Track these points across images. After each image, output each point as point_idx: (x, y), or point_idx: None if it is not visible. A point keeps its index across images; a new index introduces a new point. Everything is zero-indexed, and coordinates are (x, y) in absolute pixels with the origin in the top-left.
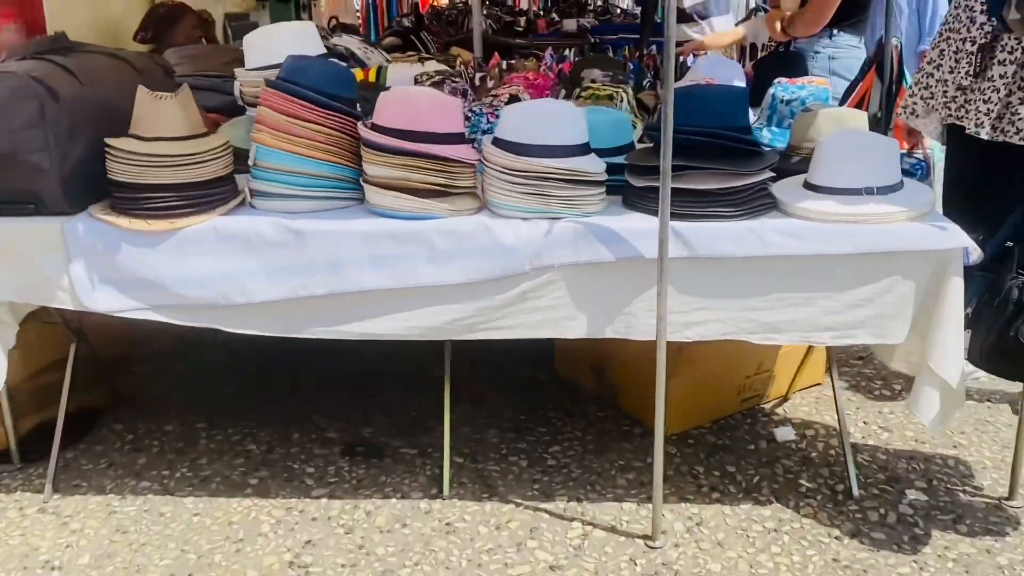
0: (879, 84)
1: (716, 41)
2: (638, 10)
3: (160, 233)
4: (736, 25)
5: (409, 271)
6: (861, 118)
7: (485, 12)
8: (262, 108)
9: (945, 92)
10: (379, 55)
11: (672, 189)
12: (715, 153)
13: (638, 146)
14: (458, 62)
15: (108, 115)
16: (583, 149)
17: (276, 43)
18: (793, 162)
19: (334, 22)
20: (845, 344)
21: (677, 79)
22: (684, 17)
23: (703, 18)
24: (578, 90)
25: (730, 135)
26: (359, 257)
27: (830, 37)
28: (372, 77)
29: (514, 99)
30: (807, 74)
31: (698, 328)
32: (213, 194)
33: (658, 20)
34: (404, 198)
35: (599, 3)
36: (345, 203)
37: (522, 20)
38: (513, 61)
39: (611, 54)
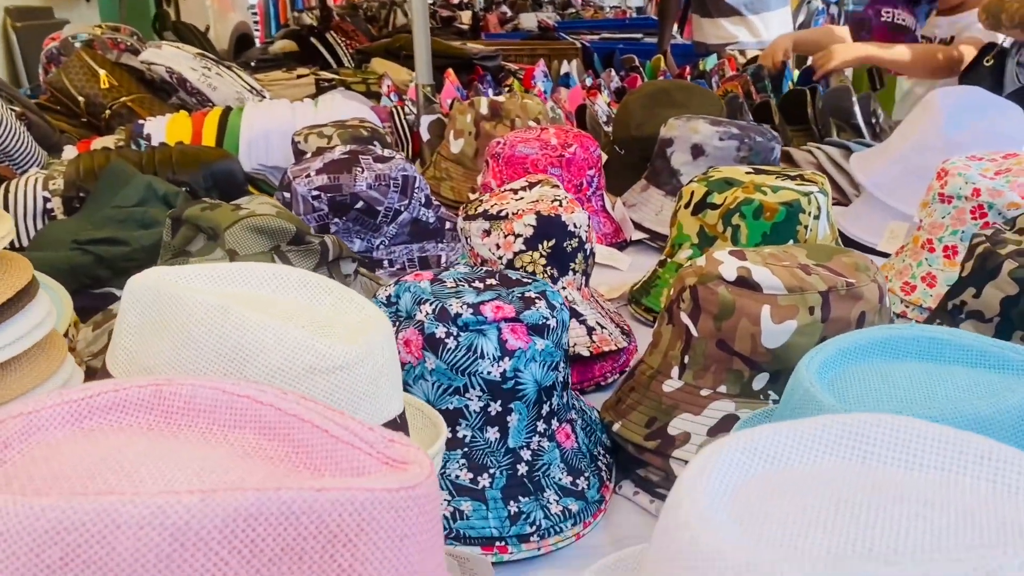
0: None
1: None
2: (605, 3)
3: None
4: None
5: None
6: None
7: None
8: None
9: None
10: (232, 81)
11: None
12: None
13: None
14: (384, 87)
15: None
16: None
17: None
18: None
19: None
20: None
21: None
22: (725, 9)
23: (754, 12)
24: (699, 186)
25: None
26: None
27: None
28: (208, 135)
29: (561, 256)
30: None
31: None
32: None
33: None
34: None
35: None
36: None
37: (465, 15)
38: (488, 89)
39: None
